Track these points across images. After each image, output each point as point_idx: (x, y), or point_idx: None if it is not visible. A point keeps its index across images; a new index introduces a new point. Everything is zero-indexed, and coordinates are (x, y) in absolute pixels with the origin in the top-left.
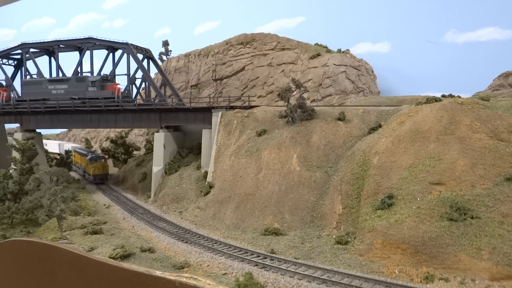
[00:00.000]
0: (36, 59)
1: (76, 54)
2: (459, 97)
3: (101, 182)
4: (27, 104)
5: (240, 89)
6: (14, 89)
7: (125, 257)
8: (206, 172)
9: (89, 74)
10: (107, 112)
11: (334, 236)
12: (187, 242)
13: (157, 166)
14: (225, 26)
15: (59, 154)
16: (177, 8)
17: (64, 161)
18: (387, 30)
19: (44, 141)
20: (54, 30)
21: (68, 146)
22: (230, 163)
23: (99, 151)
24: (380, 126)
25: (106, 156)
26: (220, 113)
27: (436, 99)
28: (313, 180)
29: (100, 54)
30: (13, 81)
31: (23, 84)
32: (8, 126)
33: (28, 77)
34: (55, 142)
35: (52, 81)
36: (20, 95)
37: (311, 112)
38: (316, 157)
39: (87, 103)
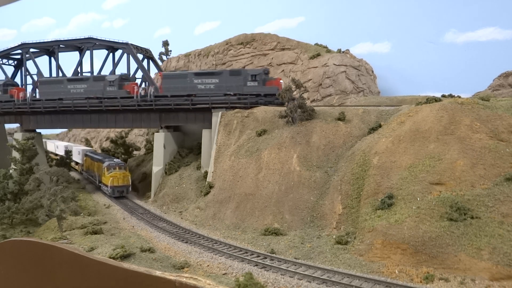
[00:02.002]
0: (36, 59)
1: (76, 54)
2: (459, 97)
3: (122, 196)
4: (170, 100)
5: None
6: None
7: (125, 257)
8: (206, 172)
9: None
10: (107, 112)
11: (334, 236)
12: (187, 242)
13: (157, 166)
14: (225, 26)
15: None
16: (177, 8)
17: (64, 161)
18: (387, 30)
19: (56, 143)
20: (54, 30)
21: (79, 148)
22: (230, 163)
23: (99, 152)
24: (380, 126)
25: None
26: (220, 113)
27: (436, 99)
28: (313, 180)
29: (100, 54)
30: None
31: (163, 77)
32: (8, 126)
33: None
34: (62, 143)
35: (199, 74)
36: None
37: (311, 112)
38: (316, 157)
39: (243, 100)
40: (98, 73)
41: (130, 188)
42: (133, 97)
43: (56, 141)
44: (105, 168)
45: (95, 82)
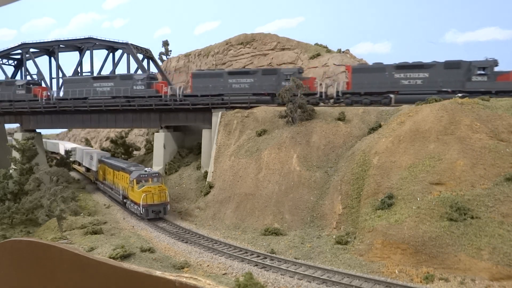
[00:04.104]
0: (36, 59)
1: (76, 54)
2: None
3: (157, 217)
4: (361, 97)
5: None
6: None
7: (125, 257)
8: (206, 172)
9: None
10: (107, 112)
11: (334, 236)
12: (187, 242)
13: (157, 166)
14: (225, 26)
15: (79, 164)
16: (177, 8)
17: (64, 161)
18: (387, 30)
19: (66, 144)
20: (54, 30)
21: (90, 152)
22: (230, 163)
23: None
24: (380, 126)
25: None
26: (220, 113)
27: (436, 99)
28: (313, 180)
29: (100, 54)
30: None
31: (352, 72)
32: (8, 126)
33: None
34: (71, 145)
35: (401, 68)
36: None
37: (311, 112)
38: (316, 157)
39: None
40: (98, 73)
41: (169, 207)
42: (315, 94)
43: (66, 143)
44: (134, 181)
45: (264, 76)
